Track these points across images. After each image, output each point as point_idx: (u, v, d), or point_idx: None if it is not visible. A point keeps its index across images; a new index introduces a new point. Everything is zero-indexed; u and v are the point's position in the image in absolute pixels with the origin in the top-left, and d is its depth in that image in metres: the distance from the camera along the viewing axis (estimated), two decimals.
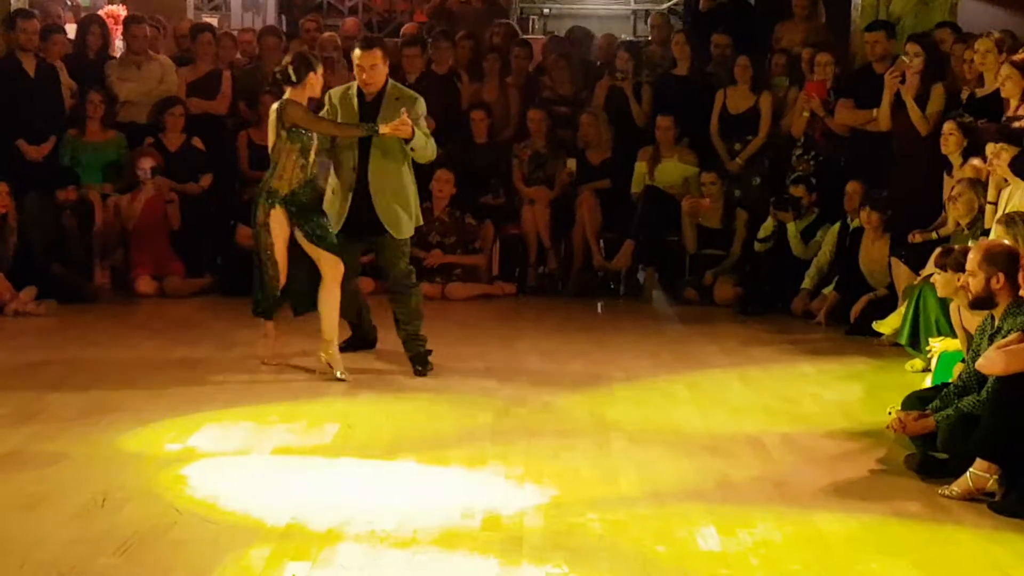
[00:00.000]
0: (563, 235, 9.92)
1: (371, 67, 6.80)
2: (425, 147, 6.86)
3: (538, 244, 9.88)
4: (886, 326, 7.70)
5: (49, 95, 9.53)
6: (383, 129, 6.60)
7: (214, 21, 13.74)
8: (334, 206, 6.84)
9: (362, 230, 6.87)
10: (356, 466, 5.22)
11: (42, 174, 9.28)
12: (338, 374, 6.61)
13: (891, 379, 6.98)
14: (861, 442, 5.77)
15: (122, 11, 12.63)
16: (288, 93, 6.57)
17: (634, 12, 17.10)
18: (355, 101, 6.88)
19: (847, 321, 8.32)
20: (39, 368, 6.85)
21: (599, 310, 9.44)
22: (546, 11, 17.72)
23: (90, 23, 10.52)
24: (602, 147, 9.91)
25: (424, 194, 9.60)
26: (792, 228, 9.06)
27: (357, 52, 6.88)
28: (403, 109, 6.65)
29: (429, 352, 6.98)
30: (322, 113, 6.85)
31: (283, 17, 19.31)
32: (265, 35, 10.82)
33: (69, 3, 13.16)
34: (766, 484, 5.12)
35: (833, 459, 5.51)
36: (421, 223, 7.17)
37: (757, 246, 9.28)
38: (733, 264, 9.50)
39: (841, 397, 6.67)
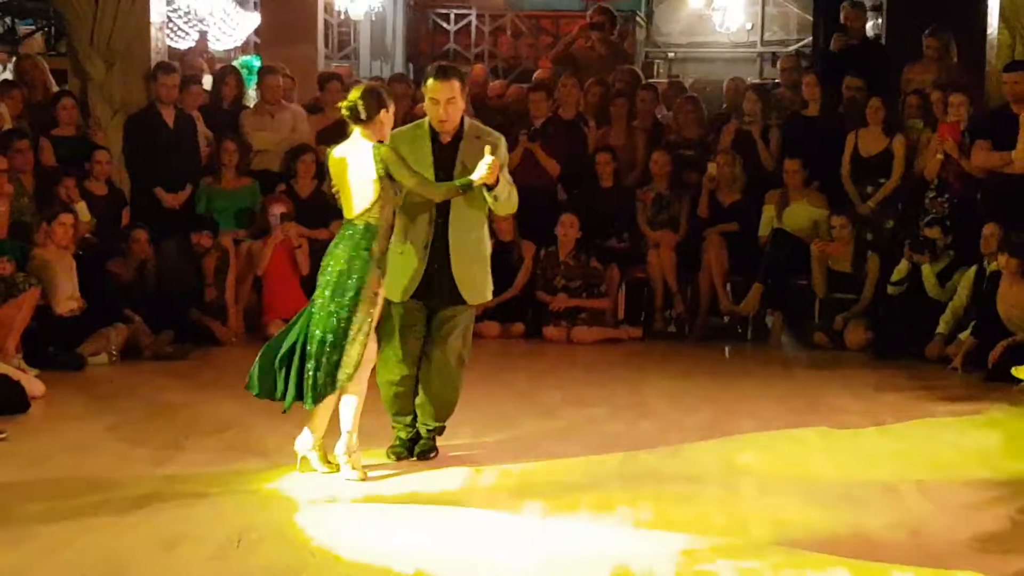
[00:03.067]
0: (690, 279, 9.87)
1: (448, 101, 5.72)
2: (509, 196, 5.81)
3: (664, 288, 9.84)
4: None
5: (187, 145, 9.83)
6: (478, 181, 5.60)
7: (344, 70, 14.03)
8: (403, 268, 5.76)
9: (433, 296, 5.85)
10: (483, 512, 5.22)
11: (180, 221, 9.55)
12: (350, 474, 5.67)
13: None
14: (1001, 491, 5.60)
15: (255, 62, 13.00)
16: (358, 133, 5.61)
17: (760, 55, 17.02)
18: (428, 145, 5.80)
19: (985, 367, 8.11)
20: (176, 411, 7.01)
21: (726, 355, 9.35)
22: (671, 55, 17.75)
23: (225, 74, 10.85)
24: (734, 189, 9.85)
25: (550, 238, 9.69)
26: (927, 270, 8.88)
27: (430, 83, 5.76)
28: (487, 147, 5.64)
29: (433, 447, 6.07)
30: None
31: (411, 65, 19.68)
32: (393, 82, 11.00)
33: (205, 55, 13.59)
34: (902, 533, 5.00)
35: (971, 508, 5.36)
36: (490, 297, 6.23)
37: (890, 289, 9.11)
38: (864, 308, 9.34)
39: (979, 444, 6.50)
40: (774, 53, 18.74)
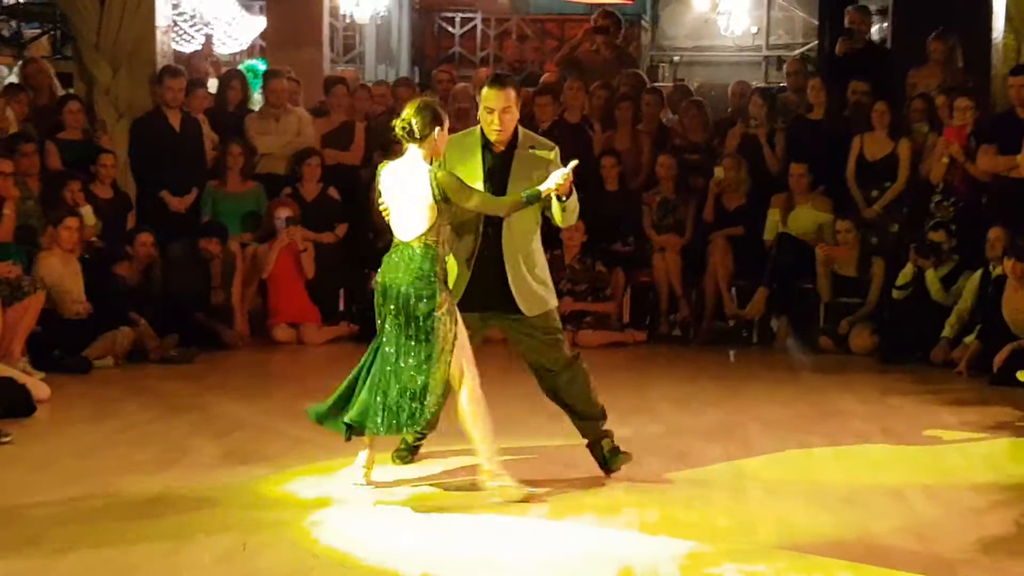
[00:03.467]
0: (695, 283, 9.87)
1: (503, 110, 5.50)
2: (576, 207, 5.64)
3: (669, 292, 9.84)
4: None
5: (193, 148, 9.86)
6: (546, 192, 5.38)
7: (349, 74, 14.05)
8: (451, 278, 5.56)
9: (489, 307, 5.70)
10: (490, 515, 5.22)
11: (185, 225, 9.57)
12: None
13: None
14: (1006, 495, 5.60)
15: (261, 66, 13.02)
16: (413, 151, 5.35)
17: (765, 59, 17.03)
18: (479, 155, 5.60)
19: (990, 371, 8.11)
20: (181, 414, 7.01)
21: (732, 359, 9.34)
22: (676, 59, 17.77)
23: (230, 78, 10.88)
24: (739, 193, 9.86)
25: (555, 242, 9.69)
26: (932, 275, 8.88)
27: (486, 91, 5.55)
28: (574, 163, 5.39)
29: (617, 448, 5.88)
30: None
31: (416, 68, 19.73)
32: (398, 86, 11.03)
33: (210, 58, 13.62)
34: (908, 537, 4.99)
35: (977, 512, 5.35)
36: (555, 304, 5.95)
37: (895, 293, 9.11)
38: (870, 312, 9.33)
39: (986, 448, 6.49)
40: (779, 57, 18.75)
